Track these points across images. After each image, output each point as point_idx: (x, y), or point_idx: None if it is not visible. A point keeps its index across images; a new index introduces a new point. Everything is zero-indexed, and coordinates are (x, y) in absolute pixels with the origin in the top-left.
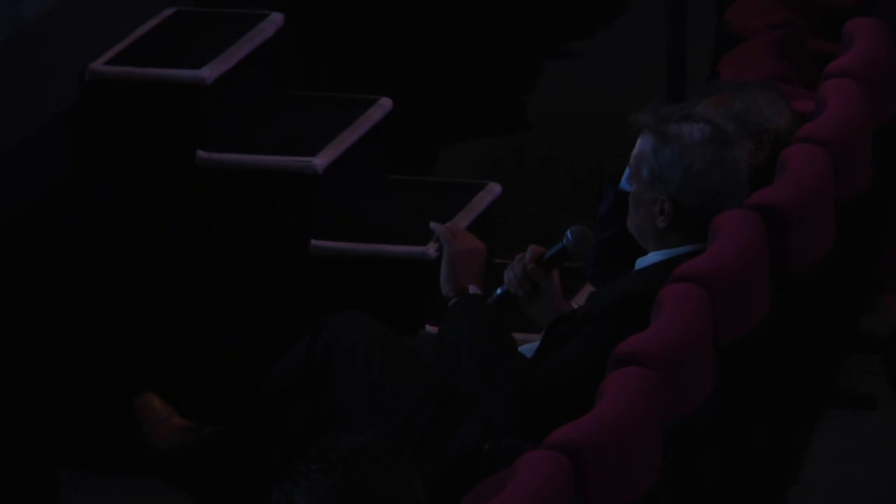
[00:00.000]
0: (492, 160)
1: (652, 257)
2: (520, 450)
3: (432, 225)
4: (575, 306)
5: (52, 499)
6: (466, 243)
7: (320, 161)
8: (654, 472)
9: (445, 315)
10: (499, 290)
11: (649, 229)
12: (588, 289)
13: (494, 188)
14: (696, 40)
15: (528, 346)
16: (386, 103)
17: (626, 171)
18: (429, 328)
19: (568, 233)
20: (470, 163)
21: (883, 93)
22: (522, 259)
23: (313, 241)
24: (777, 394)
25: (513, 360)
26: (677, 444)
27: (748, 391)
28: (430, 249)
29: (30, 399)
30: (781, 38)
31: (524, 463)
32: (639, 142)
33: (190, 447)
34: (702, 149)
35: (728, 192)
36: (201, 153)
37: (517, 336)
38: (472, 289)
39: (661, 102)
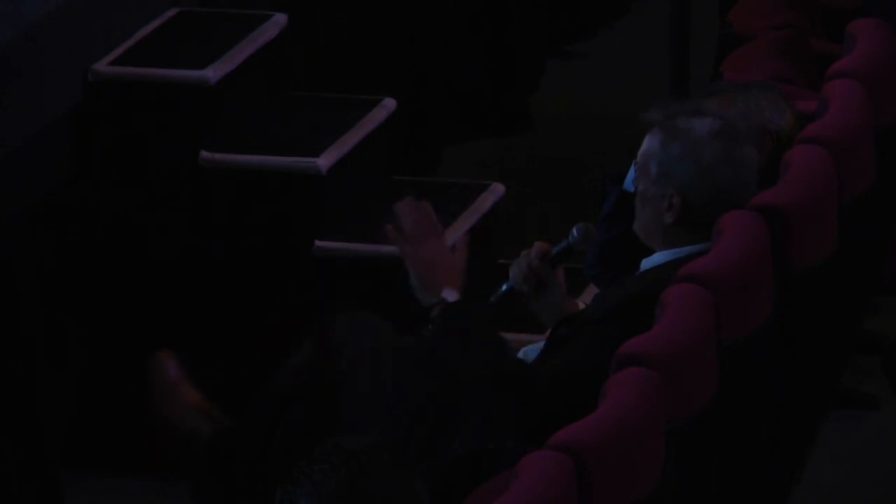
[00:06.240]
0: (494, 160)
1: (657, 258)
2: (523, 451)
3: (389, 232)
4: (581, 304)
5: (55, 499)
6: (424, 249)
7: (324, 162)
8: (657, 473)
9: (430, 325)
10: (504, 286)
11: (656, 227)
12: (593, 289)
13: (497, 188)
14: (699, 41)
15: (533, 346)
16: (389, 104)
17: (631, 171)
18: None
19: (574, 230)
20: (473, 163)
21: (886, 93)
22: (528, 255)
23: (317, 242)
24: (781, 394)
25: (505, 363)
26: (681, 444)
27: (752, 392)
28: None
29: (35, 400)
30: (784, 39)
31: (527, 464)
32: (646, 139)
33: (196, 438)
34: (711, 143)
35: (736, 188)
36: (205, 154)
37: (520, 337)
38: (448, 293)
39: (669, 100)
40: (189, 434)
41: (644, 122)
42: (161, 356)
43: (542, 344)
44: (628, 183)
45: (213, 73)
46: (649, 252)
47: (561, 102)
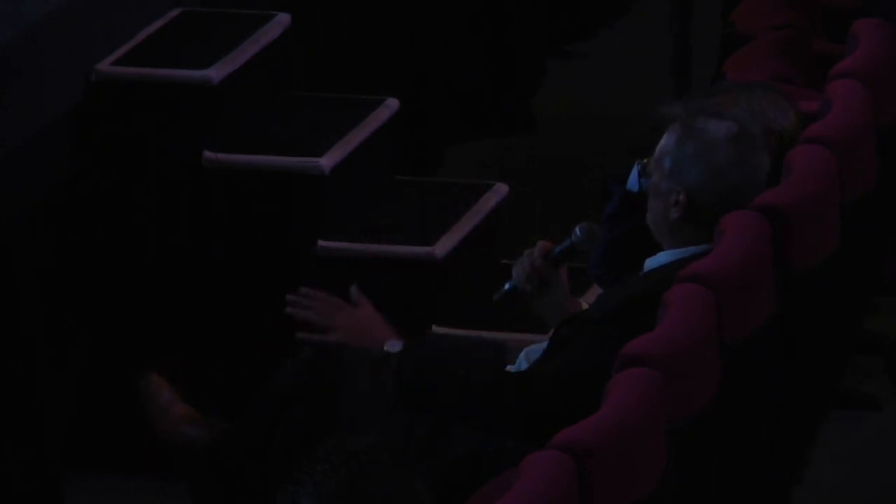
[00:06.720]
0: (495, 160)
1: (661, 257)
2: (523, 451)
3: (304, 339)
4: (584, 304)
5: (55, 499)
6: (343, 326)
7: (327, 162)
8: (657, 473)
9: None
10: (507, 285)
11: (663, 221)
12: (597, 288)
13: (501, 188)
14: (702, 41)
15: (536, 346)
16: (392, 104)
17: (633, 171)
18: (435, 328)
19: (577, 229)
20: (473, 163)
21: (888, 94)
22: (531, 254)
23: (320, 242)
24: (781, 394)
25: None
26: (682, 444)
27: (752, 391)
28: None
29: (35, 400)
30: (786, 39)
31: (529, 464)
32: (666, 134)
33: (195, 446)
34: (725, 146)
35: (744, 192)
36: (207, 154)
37: (522, 336)
38: (391, 346)
39: (692, 97)
40: (188, 444)
41: (664, 116)
42: (152, 380)
43: (545, 344)
44: (632, 183)
45: (215, 73)
46: (653, 252)
47: (561, 102)
